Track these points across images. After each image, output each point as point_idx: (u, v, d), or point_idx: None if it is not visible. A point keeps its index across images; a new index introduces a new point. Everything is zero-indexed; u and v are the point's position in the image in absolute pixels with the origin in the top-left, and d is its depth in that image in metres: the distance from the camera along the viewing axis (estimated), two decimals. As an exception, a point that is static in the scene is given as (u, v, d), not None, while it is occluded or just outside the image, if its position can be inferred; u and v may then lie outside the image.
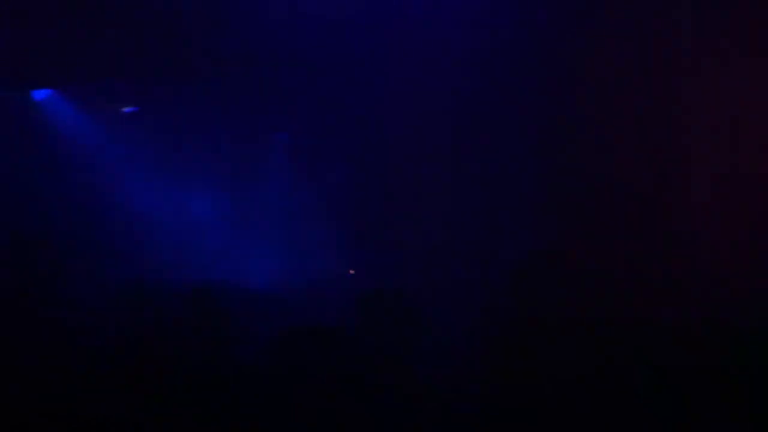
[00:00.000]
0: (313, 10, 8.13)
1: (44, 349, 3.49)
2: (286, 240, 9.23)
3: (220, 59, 8.72)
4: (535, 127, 8.17)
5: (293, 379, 3.76)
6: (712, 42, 7.57)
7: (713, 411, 3.47)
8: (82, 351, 3.53)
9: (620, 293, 4.71)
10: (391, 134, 8.74)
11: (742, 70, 7.52)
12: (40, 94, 9.67)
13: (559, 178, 7.90)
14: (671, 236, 7.00)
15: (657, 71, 7.83)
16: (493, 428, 3.69)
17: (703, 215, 7.15)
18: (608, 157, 7.74)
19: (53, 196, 9.09)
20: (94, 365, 3.40)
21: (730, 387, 3.49)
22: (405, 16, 8.21)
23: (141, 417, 3.19)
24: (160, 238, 9.05)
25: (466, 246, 7.96)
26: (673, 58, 7.72)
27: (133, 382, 3.35)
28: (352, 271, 8.06)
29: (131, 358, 3.60)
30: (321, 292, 7.19)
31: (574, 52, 7.93)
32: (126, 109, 9.61)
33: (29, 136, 9.40)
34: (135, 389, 3.30)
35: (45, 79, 9.43)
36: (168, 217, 9.39)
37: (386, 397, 3.88)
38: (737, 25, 7.53)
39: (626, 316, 4.06)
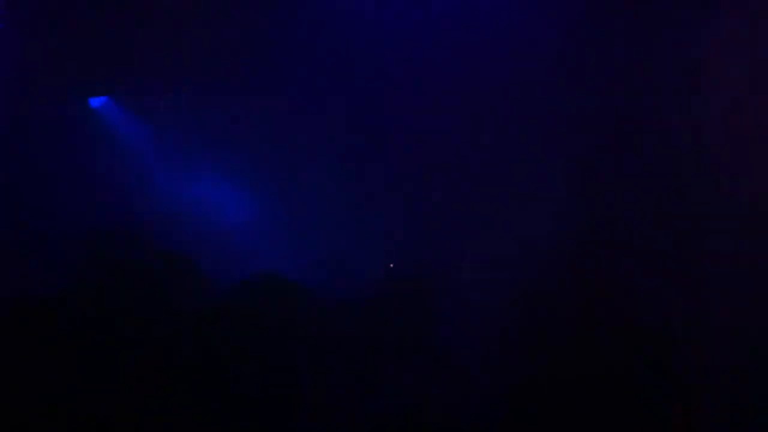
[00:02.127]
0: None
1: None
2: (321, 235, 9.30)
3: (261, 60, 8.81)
4: (558, 124, 8.13)
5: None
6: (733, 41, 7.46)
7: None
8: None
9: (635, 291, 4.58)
10: (422, 127, 8.80)
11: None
12: (96, 102, 9.90)
13: (579, 175, 7.86)
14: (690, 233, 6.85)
15: (677, 71, 7.75)
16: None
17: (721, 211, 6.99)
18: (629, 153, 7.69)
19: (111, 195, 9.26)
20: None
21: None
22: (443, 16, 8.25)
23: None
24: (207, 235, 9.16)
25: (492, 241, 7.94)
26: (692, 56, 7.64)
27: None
28: (391, 265, 8.15)
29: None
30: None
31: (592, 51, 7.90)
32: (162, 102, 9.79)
33: (88, 141, 9.60)
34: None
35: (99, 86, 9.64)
36: (211, 214, 9.56)
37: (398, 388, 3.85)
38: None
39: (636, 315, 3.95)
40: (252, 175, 9.72)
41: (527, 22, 8.09)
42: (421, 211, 8.87)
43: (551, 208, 7.70)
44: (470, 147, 8.67)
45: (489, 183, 8.54)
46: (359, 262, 8.40)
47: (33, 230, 8.60)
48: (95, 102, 9.87)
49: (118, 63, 8.96)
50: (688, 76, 7.70)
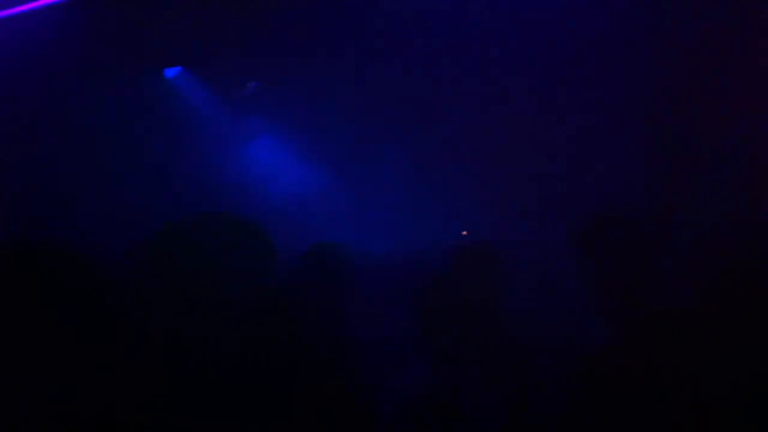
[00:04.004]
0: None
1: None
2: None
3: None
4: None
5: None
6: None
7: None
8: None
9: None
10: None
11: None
12: (171, 72, 9.69)
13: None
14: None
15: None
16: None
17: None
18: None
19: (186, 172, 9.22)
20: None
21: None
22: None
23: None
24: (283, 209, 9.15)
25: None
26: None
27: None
28: (464, 233, 8.07)
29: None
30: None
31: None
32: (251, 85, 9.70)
33: (163, 114, 9.52)
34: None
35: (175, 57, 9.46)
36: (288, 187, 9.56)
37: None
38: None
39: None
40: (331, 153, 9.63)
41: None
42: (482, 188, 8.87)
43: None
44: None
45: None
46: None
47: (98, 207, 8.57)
48: (169, 72, 9.64)
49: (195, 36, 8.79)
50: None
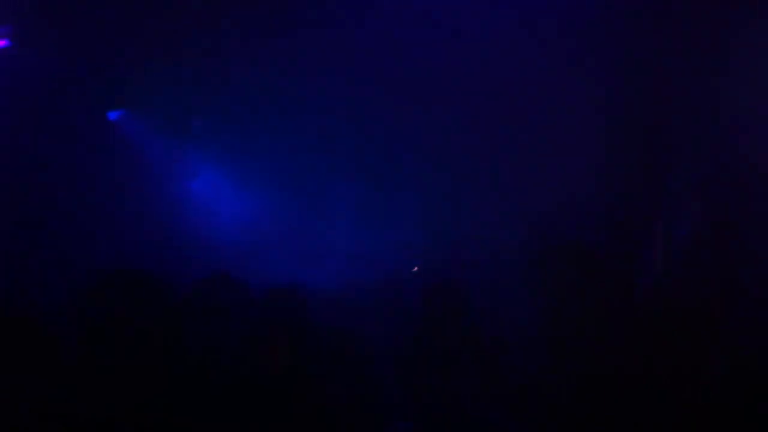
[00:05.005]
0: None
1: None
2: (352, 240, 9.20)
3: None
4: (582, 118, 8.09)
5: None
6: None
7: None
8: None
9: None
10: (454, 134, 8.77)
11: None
12: (114, 114, 9.81)
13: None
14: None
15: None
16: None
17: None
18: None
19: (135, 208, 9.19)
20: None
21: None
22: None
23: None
24: (230, 242, 9.10)
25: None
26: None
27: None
28: (415, 269, 8.02)
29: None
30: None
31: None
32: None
33: (106, 154, 9.48)
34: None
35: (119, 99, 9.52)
36: (235, 222, 9.54)
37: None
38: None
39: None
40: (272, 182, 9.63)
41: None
42: (437, 205, 8.85)
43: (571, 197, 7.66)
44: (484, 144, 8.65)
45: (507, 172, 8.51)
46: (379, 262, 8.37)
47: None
48: (112, 115, 9.79)
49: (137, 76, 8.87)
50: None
